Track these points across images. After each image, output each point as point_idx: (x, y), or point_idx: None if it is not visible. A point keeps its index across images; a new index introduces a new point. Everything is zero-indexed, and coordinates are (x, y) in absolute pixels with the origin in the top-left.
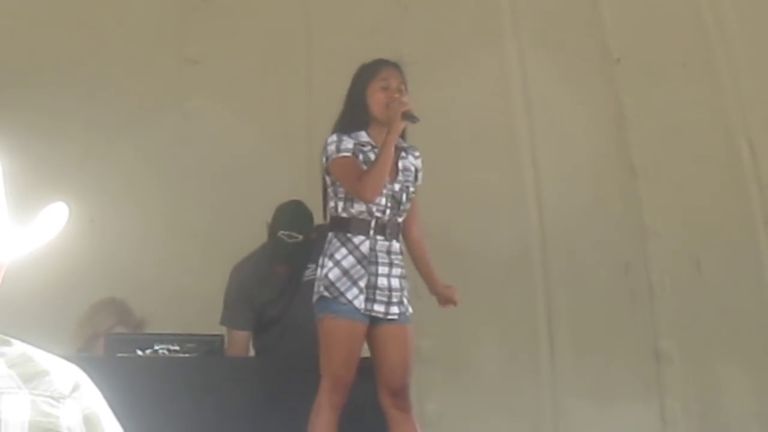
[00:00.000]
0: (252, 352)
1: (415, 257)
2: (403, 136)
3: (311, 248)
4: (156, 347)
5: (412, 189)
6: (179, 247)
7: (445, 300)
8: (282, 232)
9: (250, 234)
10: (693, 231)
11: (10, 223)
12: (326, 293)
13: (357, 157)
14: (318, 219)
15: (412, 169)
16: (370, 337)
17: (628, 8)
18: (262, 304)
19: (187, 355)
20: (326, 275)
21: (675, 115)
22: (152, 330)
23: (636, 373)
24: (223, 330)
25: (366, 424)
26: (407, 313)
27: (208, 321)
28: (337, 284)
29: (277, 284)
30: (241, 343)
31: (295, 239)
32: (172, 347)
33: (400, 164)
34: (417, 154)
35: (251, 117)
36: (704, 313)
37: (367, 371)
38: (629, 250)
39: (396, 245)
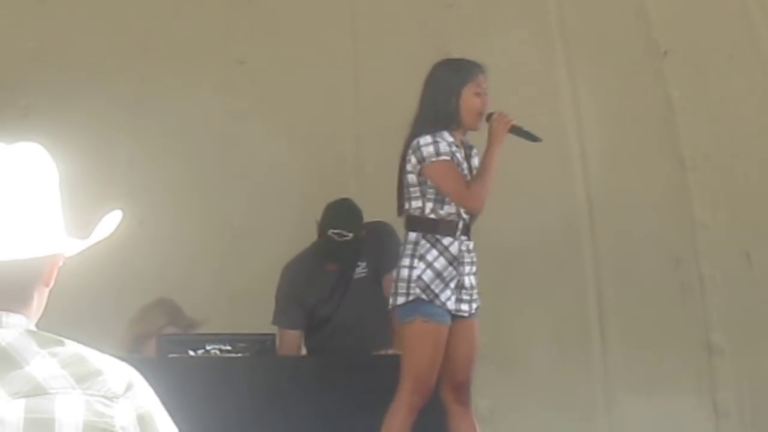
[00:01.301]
0: (304, 351)
1: None
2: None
3: (361, 246)
4: (207, 347)
5: None
6: (229, 248)
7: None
8: (332, 230)
9: (300, 233)
10: (743, 223)
11: (65, 226)
12: (423, 296)
13: (453, 159)
14: (368, 217)
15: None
16: (451, 333)
17: (674, 1)
18: (312, 303)
19: (238, 354)
20: (420, 277)
21: (723, 107)
22: (204, 330)
23: (688, 367)
24: (274, 329)
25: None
26: (479, 306)
27: (260, 320)
28: (432, 286)
29: (327, 283)
30: (293, 342)
31: (345, 237)
32: (223, 347)
33: (473, 162)
34: (476, 152)
35: (298, 115)
36: (755, 306)
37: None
38: (679, 244)
39: (471, 244)
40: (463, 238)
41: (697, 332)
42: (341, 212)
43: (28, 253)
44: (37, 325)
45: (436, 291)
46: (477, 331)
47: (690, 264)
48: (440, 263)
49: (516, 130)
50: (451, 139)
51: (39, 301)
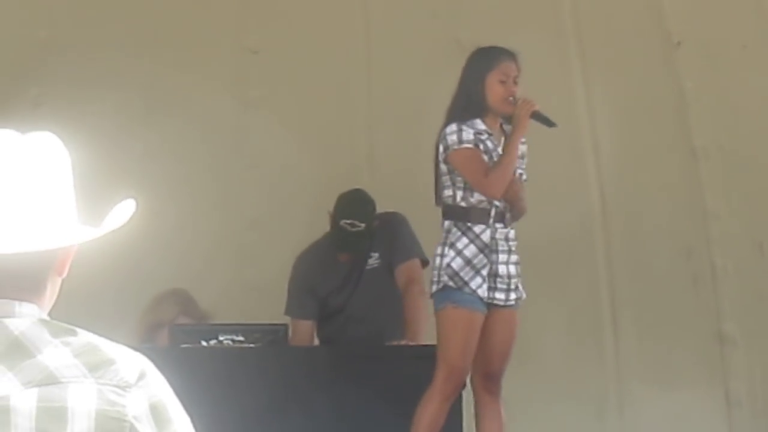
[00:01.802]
0: (316, 342)
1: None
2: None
3: (373, 237)
4: (220, 337)
5: (525, 177)
6: (242, 238)
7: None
8: (344, 221)
9: (313, 224)
10: (755, 214)
11: (78, 216)
12: (451, 283)
13: (477, 147)
14: (380, 207)
15: (521, 155)
16: (488, 322)
17: None
18: (325, 294)
19: (251, 345)
20: (449, 264)
21: (736, 98)
22: (216, 321)
23: (700, 357)
24: (287, 320)
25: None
26: (522, 298)
27: (273, 311)
28: (461, 274)
29: (340, 273)
30: (306, 332)
31: (358, 228)
32: (236, 337)
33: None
34: (524, 139)
35: (311, 106)
36: (767, 296)
37: (429, 357)
38: (691, 234)
39: (512, 232)
40: (498, 225)
41: (709, 322)
42: (354, 203)
43: (41, 245)
44: (50, 315)
45: (466, 278)
46: (515, 322)
47: (702, 254)
48: (470, 251)
49: (536, 116)
50: (482, 127)
51: (52, 290)
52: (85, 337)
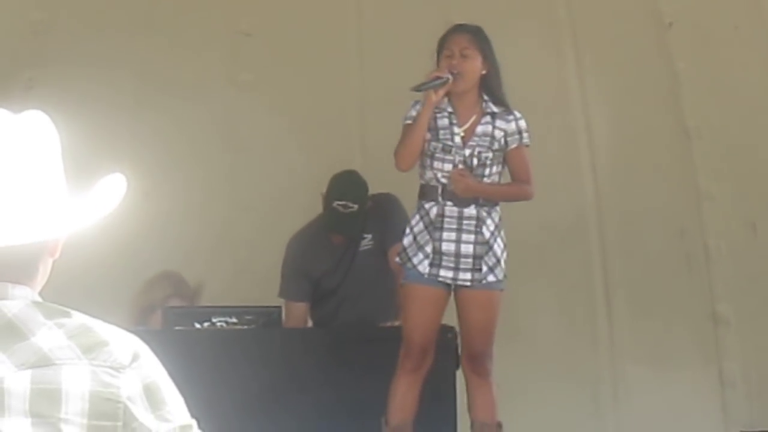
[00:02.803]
0: (310, 323)
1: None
2: (498, 100)
3: (366, 218)
4: (214, 320)
5: (486, 154)
6: (235, 220)
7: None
8: (337, 202)
9: (305, 206)
10: (748, 194)
11: (68, 196)
12: (398, 259)
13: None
14: (373, 188)
15: (497, 134)
16: (456, 300)
17: None
18: (318, 275)
19: (244, 327)
20: (402, 242)
21: (728, 78)
22: (209, 303)
23: (694, 338)
24: (280, 302)
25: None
26: (486, 281)
27: (266, 293)
28: (408, 250)
29: (333, 255)
30: (299, 314)
31: (351, 209)
32: (229, 320)
33: (478, 129)
34: (510, 117)
35: (303, 88)
36: (761, 276)
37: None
38: (684, 215)
39: (470, 211)
40: (448, 203)
41: (703, 303)
42: (346, 184)
43: (34, 236)
44: (42, 297)
45: (410, 254)
46: (492, 303)
47: (695, 235)
48: (418, 227)
49: (422, 87)
50: (443, 106)
51: (44, 271)
52: (78, 318)
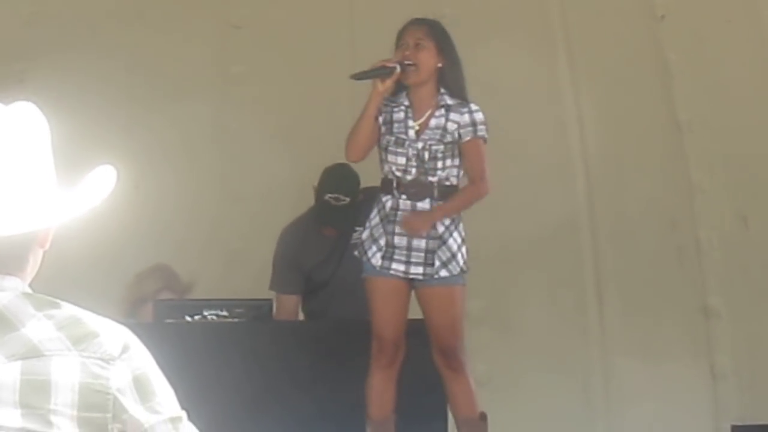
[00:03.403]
0: (301, 316)
1: None
2: (456, 92)
3: (358, 211)
4: (204, 313)
5: (437, 147)
6: (226, 213)
7: (410, 219)
8: (329, 195)
9: (297, 198)
10: (739, 187)
11: (57, 188)
12: (356, 252)
13: (376, 118)
14: (365, 181)
15: (450, 127)
16: (417, 298)
17: None
18: (310, 268)
19: (235, 320)
20: (362, 235)
21: (720, 71)
22: (200, 296)
23: (685, 330)
24: (272, 294)
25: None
26: (438, 275)
27: (257, 286)
28: (364, 243)
29: (324, 247)
30: (290, 307)
31: (342, 202)
32: (220, 313)
33: (432, 122)
34: (465, 110)
35: (295, 81)
36: (752, 269)
37: (418, 332)
38: (676, 207)
39: (423, 205)
40: (402, 196)
41: (694, 296)
42: (338, 177)
43: (23, 227)
44: (32, 288)
45: (366, 248)
46: (454, 298)
47: (687, 227)
48: (375, 220)
49: (363, 75)
50: (401, 99)
51: (34, 262)
52: (68, 310)
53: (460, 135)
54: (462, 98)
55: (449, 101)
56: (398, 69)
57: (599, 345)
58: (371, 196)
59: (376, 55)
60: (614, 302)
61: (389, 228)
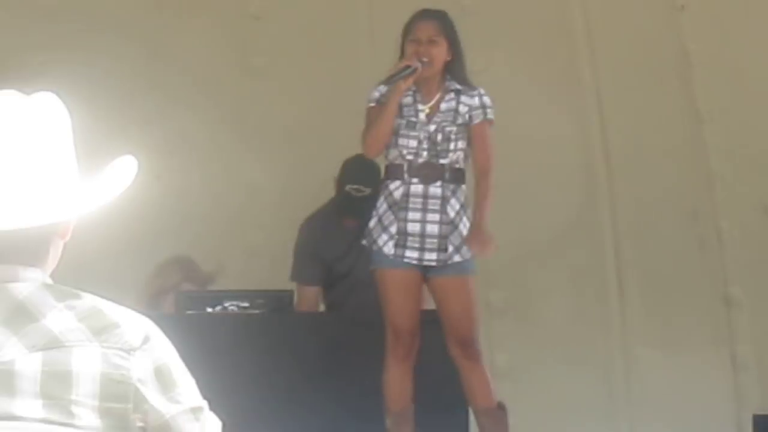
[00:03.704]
0: (322, 307)
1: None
2: (460, 80)
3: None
4: (226, 304)
5: (450, 129)
6: (246, 204)
7: (475, 245)
8: (349, 186)
9: (318, 190)
10: (760, 176)
11: (79, 179)
12: (364, 241)
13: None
14: None
15: (461, 109)
16: (429, 290)
17: None
18: (331, 259)
19: (256, 311)
20: (368, 224)
21: (740, 60)
22: (221, 287)
23: (706, 320)
24: (292, 286)
25: (441, 373)
26: (452, 261)
27: (277, 278)
28: (373, 232)
29: (345, 239)
30: (311, 298)
31: (363, 193)
32: (241, 304)
33: (443, 106)
34: (474, 93)
35: (315, 71)
36: None
37: (435, 322)
38: (696, 197)
39: (435, 189)
40: (414, 180)
41: (715, 285)
42: (359, 168)
43: (45, 219)
44: (53, 279)
45: (374, 236)
46: (467, 287)
47: (708, 217)
48: (383, 208)
49: (392, 80)
50: (404, 88)
51: (54, 253)
52: (89, 300)
53: (471, 117)
54: (468, 84)
55: (458, 86)
56: (421, 67)
57: (620, 335)
58: None
59: (394, 46)
60: (635, 292)
61: (401, 215)
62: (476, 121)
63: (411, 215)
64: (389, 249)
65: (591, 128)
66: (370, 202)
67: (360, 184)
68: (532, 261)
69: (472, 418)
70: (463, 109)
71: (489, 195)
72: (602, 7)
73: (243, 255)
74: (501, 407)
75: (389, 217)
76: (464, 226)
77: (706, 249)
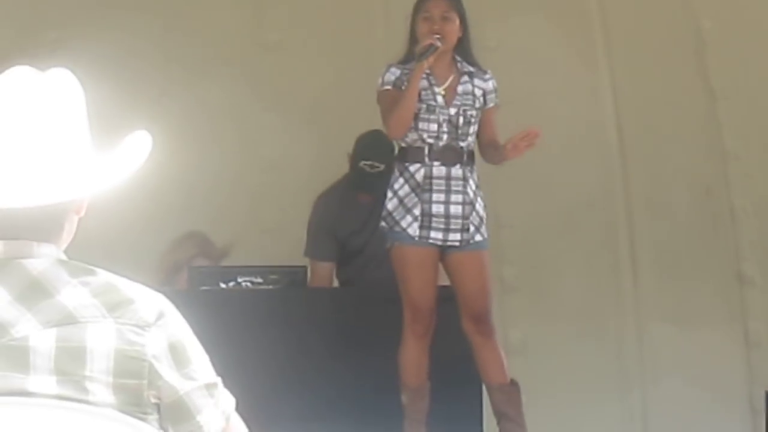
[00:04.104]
0: (336, 283)
1: (490, 157)
2: (470, 61)
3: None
4: (239, 279)
5: (471, 113)
6: (260, 180)
7: (515, 148)
8: (363, 162)
9: (332, 165)
10: None
11: (94, 155)
12: (383, 223)
13: (400, 88)
14: None
15: (477, 92)
16: (445, 266)
17: None
18: (345, 235)
19: (270, 287)
20: (385, 205)
21: (754, 38)
22: (235, 263)
23: (719, 297)
24: (306, 261)
25: (454, 349)
26: (474, 240)
27: (292, 253)
28: (394, 214)
29: (359, 215)
30: (325, 274)
31: (377, 168)
32: (255, 279)
33: (459, 89)
34: (487, 76)
35: (330, 49)
36: None
37: (450, 299)
38: (710, 174)
39: (456, 171)
40: (435, 163)
41: (728, 262)
42: (373, 144)
43: (60, 196)
44: (67, 255)
45: (397, 218)
46: (483, 263)
47: (721, 194)
48: (404, 190)
49: (419, 55)
50: (426, 67)
51: (69, 230)
52: (104, 276)
53: (485, 101)
54: (476, 64)
55: (470, 68)
56: (440, 45)
57: (633, 312)
58: None
59: (409, 25)
60: (648, 269)
61: (425, 196)
62: (490, 105)
63: (435, 197)
64: (414, 230)
65: (605, 106)
66: (384, 178)
67: (374, 160)
68: (546, 237)
69: (485, 393)
70: (478, 92)
71: None
72: None
73: (258, 231)
74: (514, 383)
75: (413, 199)
76: (480, 206)
77: (719, 226)
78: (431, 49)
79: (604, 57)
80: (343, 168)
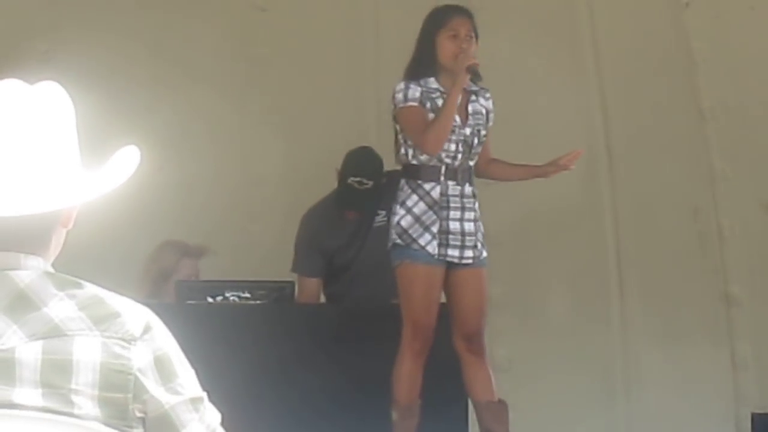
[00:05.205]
0: (323, 299)
1: (501, 173)
2: (473, 79)
3: (381, 194)
4: (226, 294)
5: (483, 132)
6: (248, 195)
7: (560, 167)
8: (352, 178)
9: (320, 181)
10: (762, 175)
11: (81, 167)
12: (399, 240)
13: (424, 105)
14: (389, 165)
15: (483, 111)
16: (445, 281)
17: None
18: (332, 251)
19: (257, 301)
20: (398, 222)
21: (743, 59)
22: (222, 276)
23: (706, 318)
24: (293, 277)
25: (441, 367)
26: (482, 257)
27: (279, 268)
28: (410, 231)
29: (347, 231)
30: (312, 289)
31: (365, 185)
32: (242, 294)
33: (470, 108)
34: (488, 95)
35: (319, 63)
36: None
37: (442, 316)
38: (698, 194)
39: (468, 189)
40: (450, 182)
41: (716, 283)
42: (361, 160)
43: (47, 206)
44: (55, 268)
45: (414, 235)
46: (484, 280)
47: (709, 215)
48: (419, 208)
49: (472, 72)
50: (434, 86)
51: (56, 242)
52: (90, 289)
53: (488, 119)
54: (476, 83)
55: (474, 86)
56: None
57: (620, 332)
58: (394, 180)
59: (399, 39)
60: (635, 289)
61: (443, 214)
62: (490, 124)
63: (452, 214)
64: (433, 248)
65: (593, 124)
66: (372, 195)
67: (362, 177)
68: (533, 256)
69: (471, 411)
70: (484, 111)
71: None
72: (607, 4)
73: (244, 245)
74: (502, 402)
75: (431, 217)
76: (481, 222)
77: (706, 246)
78: (475, 67)
79: (594, 76)
80: (330, 183)
